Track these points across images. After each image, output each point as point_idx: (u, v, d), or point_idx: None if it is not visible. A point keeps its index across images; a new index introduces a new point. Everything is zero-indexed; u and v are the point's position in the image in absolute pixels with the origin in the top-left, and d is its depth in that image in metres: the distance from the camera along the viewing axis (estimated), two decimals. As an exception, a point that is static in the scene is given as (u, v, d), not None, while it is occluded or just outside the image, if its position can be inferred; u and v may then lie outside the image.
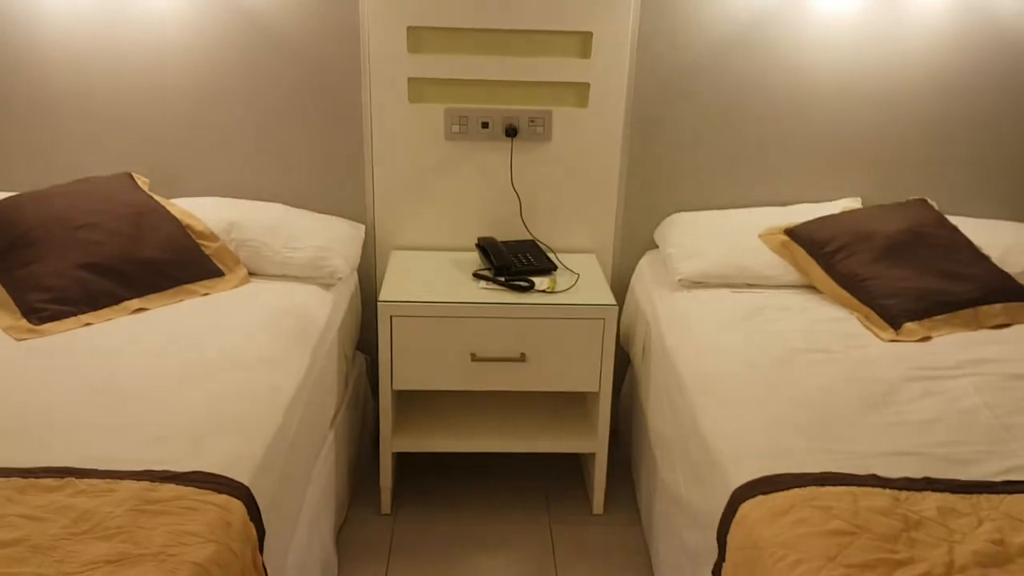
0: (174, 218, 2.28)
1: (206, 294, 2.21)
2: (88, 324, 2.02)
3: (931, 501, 1.47)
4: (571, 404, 2.59)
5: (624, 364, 2.70)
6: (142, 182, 2.41)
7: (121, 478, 1.45)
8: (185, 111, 2.52)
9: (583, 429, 2.48)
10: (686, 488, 1.89)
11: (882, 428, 1.71)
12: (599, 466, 2.45)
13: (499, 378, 2.33)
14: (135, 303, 2.11)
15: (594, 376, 2.34)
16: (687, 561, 1.85)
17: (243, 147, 2.56)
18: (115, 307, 2.08)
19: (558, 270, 2.48)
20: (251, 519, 1.45)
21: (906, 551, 1.35)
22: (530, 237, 2.62)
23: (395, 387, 2.33)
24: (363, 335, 2.67)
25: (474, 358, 2.30)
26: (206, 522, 1.36)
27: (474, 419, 2.51)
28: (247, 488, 1.48)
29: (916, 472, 1.56)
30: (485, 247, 2.48)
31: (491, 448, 2.43)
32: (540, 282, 2.38)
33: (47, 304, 2.02)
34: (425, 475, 2.64)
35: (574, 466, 2.72)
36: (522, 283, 2.35)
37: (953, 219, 2.46)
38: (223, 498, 1.42)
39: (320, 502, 2.05)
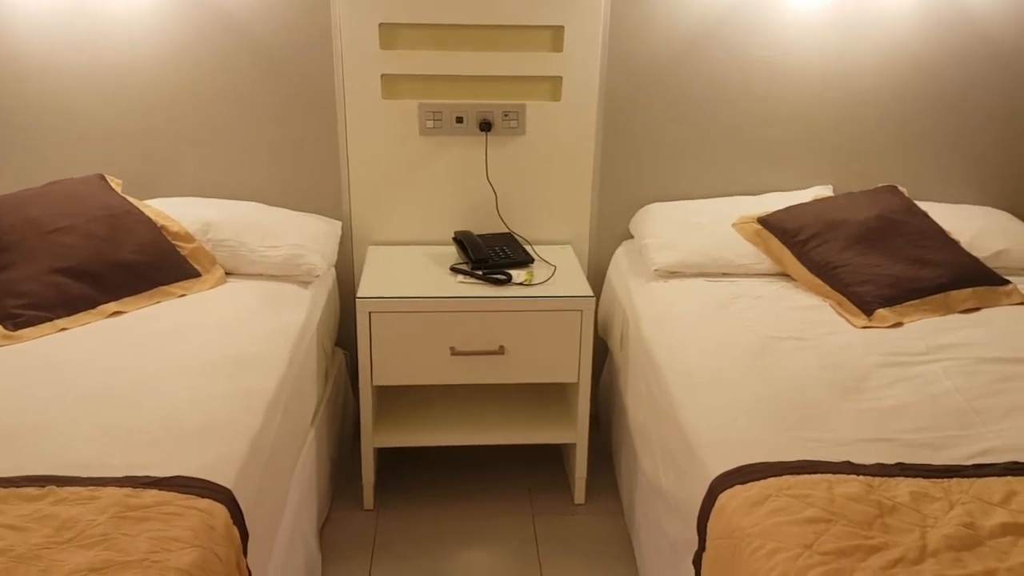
0: (149, 220, 2.27)
1: (183, 295, 2.21)
2: (64, 329, 2.01)
3: (904, 487, 1.50)
4: (550, 395, 2.61)
5: (603, 353, 2.73)
6: (115, 183, 2.39)
7: (103, 485, 1.45)
8: (158, 111, 2.50)
9: (563, 420, 2.50)
10: (665, 477, 1.92)
11: (855, 415, 1.74)
12: (580, 456, 2.47)
13: (479, 371, 2.35)
14: (111, 306, 2.10)
15: (573, 367, 2.36)
16: (669, 550, 1.88)
17: (218, 146, 2.55)
18: (91, 311, 2.07)
19: (535, 262, 2.49)
20: (234, 522, 1.45)
21: (880, 537, 1.38)
22: (506, 230, 2.62)
23: (375, 383, 2.34)
24: (341, 331, 2.67)
25: (453, 352, 2.31)
26: (189, 527, 1.37)
27: (454, 413, 2.52)
28: (230, 491, 1.48)
29: (889, 458, 1.59)
30: (462, 240, 2.49)
31: (472, 441, 2.45)
32: (517, 275, 2.39)
33: (22, 310, 2.00)
34: (407, 470, 2.65)
35: (555, 457, 2.74)
36: (499, 276, 2.37)
37: (923, 204, 2.50)
38: (206, 502, 1.43)
39: (302, 500, 2.06)
